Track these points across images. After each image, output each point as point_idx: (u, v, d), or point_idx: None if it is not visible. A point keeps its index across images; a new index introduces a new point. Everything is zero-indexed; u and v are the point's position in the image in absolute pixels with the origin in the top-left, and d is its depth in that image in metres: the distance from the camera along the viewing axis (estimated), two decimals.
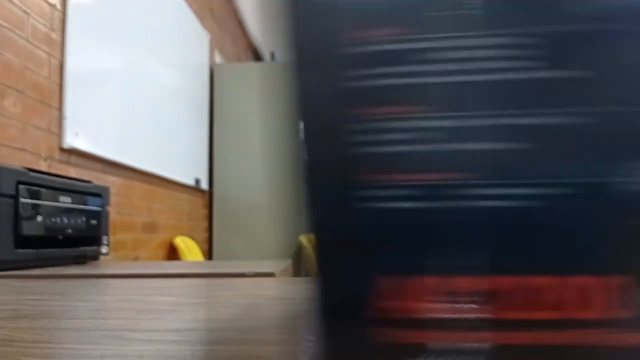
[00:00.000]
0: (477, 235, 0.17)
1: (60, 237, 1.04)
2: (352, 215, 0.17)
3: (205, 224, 3.46)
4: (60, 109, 1.65)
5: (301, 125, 0.17)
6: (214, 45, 3.69)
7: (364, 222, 0.17)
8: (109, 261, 1.29)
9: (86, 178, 1.68)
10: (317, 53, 0.18)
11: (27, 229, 0.93)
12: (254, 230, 3.49)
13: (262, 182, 3.48)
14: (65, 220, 1.05)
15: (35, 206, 0.95)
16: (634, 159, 0.17)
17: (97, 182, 1.75)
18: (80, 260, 1.13)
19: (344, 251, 0.17)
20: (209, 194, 3.54)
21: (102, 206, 1.19)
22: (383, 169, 0.18)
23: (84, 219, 1.11)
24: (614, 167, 0.17)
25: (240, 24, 4.56)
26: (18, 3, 1.44)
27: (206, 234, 3.48)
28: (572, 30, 0.17)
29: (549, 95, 0.17)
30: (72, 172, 1.73)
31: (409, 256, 0.17)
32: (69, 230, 1.06)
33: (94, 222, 1.15)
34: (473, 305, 0.17)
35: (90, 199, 1.14)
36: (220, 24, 3.89)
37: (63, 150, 1.67)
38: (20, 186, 0.92)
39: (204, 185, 3.35)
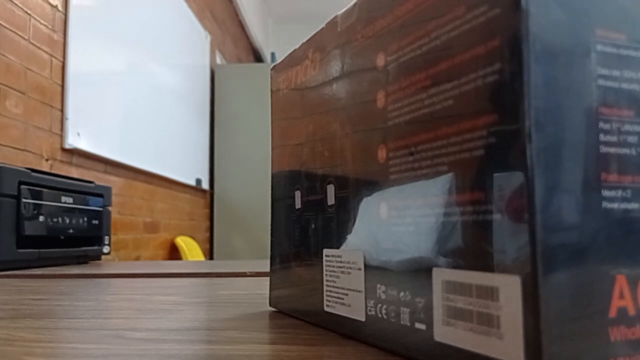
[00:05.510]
0: None
1: (62, 237, 1.04)
2: (601, 215, 0.18)
3: (206, 223, 3.47)
4: (62, 109, 1.65)
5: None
6: (215, 46, 3.70)
7: (611, 221, 0.18)
8: (110, 261, 1.29)
9: (88, 178, 1.68)
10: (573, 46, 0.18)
11: (29, 229, 0.93)
12: (255, 230, 3.49)
13: (263, 182, 3.48)
14: (67, 220, 1.05)
15: (37, 206, 0.96)
16: None
17: (98, 182, 1.76)
18: (82, 260, 1.14)
19: (589, 249, 0.17)
20: (210, 194, 3.54)
21: (104, 206, 1.19)
22: (627, 171, 0.18)
23: (85, 219, 1.12)
24: None
25: (241, 25, 4.57)
26: (20, 4, 1.44)
27: (207, 234, 3.48)
28: None
29: None
30: (74, 173, 1.74)
31: None
32: (71, 230, 1.06)
33: (95, 222, 1.15)
34: None
35: (91, 199, 1.15)
36: (221, 25, 3.89)
37: (65, 150, 1.67)
38: (22, 186, 0.92)
39: (205, 185, 3.36)
